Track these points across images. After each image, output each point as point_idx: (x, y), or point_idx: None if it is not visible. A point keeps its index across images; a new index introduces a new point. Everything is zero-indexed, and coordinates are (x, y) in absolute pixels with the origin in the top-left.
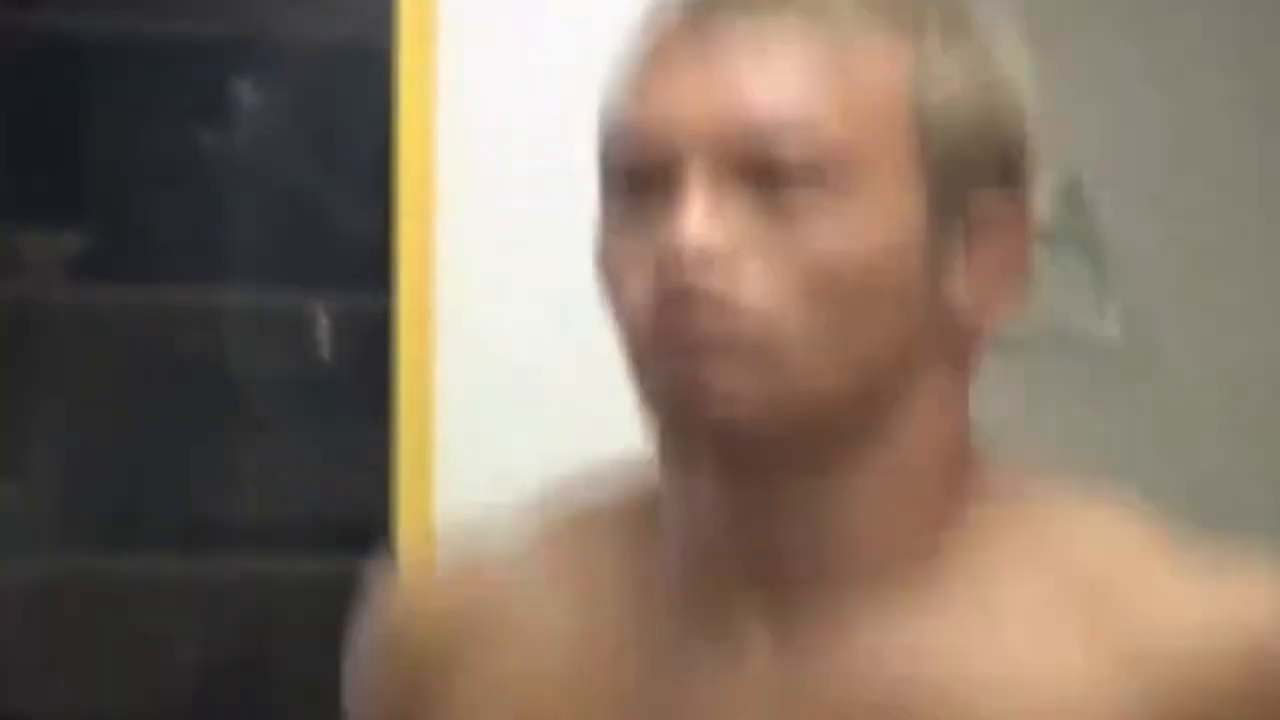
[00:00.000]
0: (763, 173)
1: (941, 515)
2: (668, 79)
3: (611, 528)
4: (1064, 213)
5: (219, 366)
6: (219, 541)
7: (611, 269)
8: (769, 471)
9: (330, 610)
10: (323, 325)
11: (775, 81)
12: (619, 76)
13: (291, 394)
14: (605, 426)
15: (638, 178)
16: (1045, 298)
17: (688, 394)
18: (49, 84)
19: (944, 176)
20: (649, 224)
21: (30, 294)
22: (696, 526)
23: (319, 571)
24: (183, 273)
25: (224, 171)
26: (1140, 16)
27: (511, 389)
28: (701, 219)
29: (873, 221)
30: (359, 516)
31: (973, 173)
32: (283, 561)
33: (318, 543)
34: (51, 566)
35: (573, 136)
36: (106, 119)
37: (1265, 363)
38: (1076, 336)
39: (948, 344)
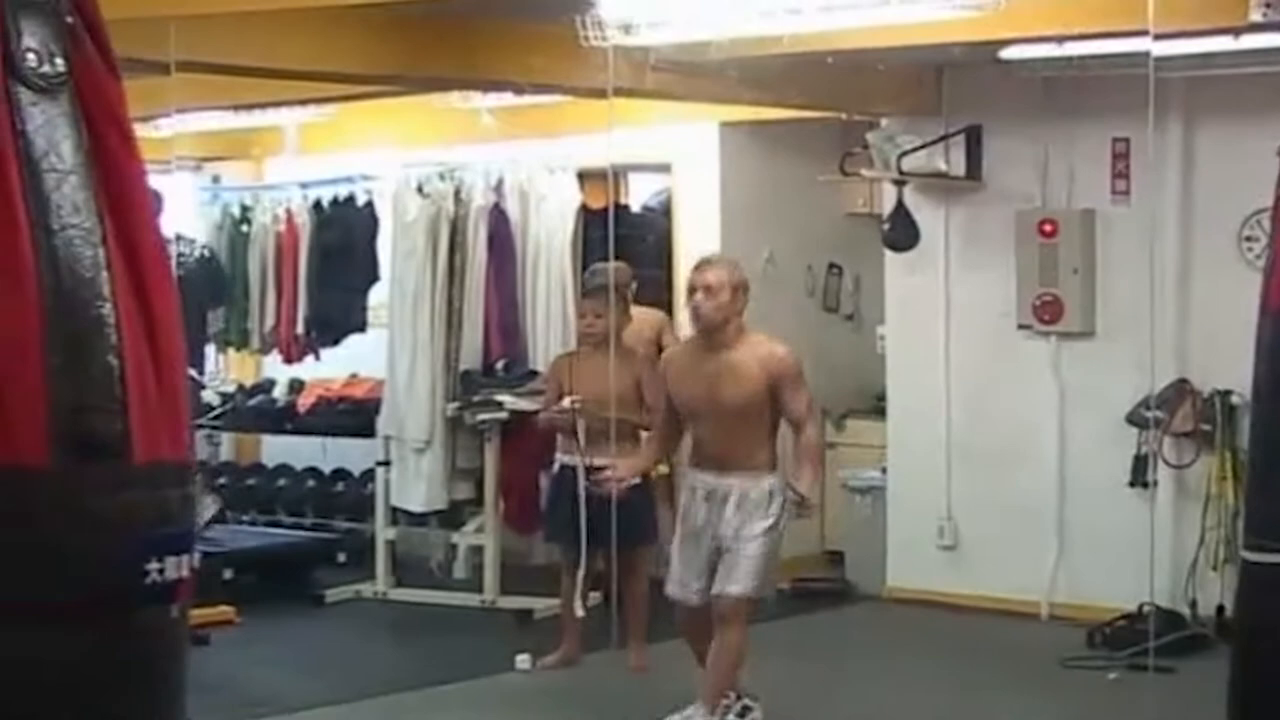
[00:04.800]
0: (710, 289)
1: (739, 330)
2: (697, 271)
3: (697, 339)
4: None
5: None
6: None
7: (689, 304)
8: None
9: None
10: None
11: (713, 276)
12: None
13: None
14: None
15: (692, 289)
16: None
17: (696, 319)
18: None
19: (736, 292)
20: (696, 301)
21: None
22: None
23: None
24: None
25: None
26: None
27: None
28: (703, 297)
29: (728, 296)
30: None
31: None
32: None
33: None
34: None
35: None
36: None
37: None
38: None
39: (741, 308)
